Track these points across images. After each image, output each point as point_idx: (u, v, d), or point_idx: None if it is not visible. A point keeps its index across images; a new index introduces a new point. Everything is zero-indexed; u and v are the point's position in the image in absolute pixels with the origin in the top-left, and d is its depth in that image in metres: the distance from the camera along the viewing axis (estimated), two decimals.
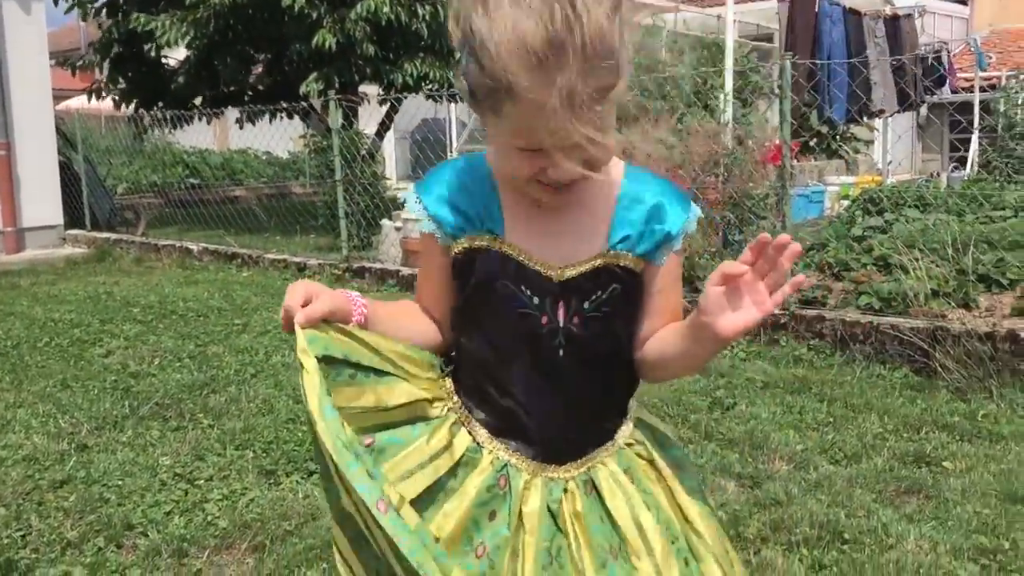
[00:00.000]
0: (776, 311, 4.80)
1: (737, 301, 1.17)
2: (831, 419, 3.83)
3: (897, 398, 4.05)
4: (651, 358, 1.36)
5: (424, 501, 1.27)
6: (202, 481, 3.25)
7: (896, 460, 3.38)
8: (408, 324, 1.38)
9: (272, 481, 3.24)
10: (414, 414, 1.29)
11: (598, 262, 1.30)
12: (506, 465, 1.31)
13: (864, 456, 3.42)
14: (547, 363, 1.30)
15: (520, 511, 1.29)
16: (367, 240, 8.31)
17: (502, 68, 1.10)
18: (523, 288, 1.29)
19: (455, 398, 1.35)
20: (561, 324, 1.29)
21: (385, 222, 8.02)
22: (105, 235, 10.32)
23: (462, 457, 1.30)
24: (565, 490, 1.31)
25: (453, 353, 1.40)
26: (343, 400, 1.23)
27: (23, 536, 2.85)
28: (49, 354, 5.15)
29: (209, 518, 2.96)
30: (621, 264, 1.31)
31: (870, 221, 6.57)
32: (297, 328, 1.19)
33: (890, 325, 4.55)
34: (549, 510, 1.30)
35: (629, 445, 1.38)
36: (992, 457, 3.39)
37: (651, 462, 1.38)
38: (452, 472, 1.29)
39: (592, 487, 1.33)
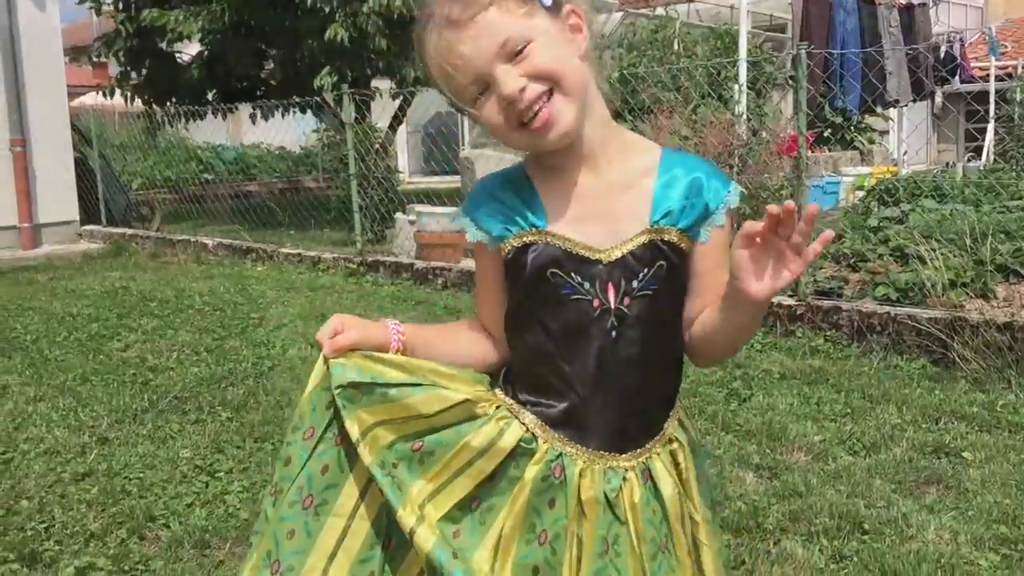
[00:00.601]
0: (810, 286, 4.76)
1: (767, 263, 1.20)
2: (849, 410, 3.82)
3: (915, 389, 4.04)
4: (698, 337, 1.38)
5: (487, 491, 1.32)
6: (222, 473, 3.27)
7: (915, 451, 3.37)
8: (455, 347, 1.42)
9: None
10: (460, 417, 1.32)
11: (643, 239, 1.32)
12: (560, 455, 1.32)
13: (883, 447, 3.41)
14: (602, 347, 1.32)
15: (579, 499, 1.30)
16: (381, 234, 8.33)
17: (416, 45, 1.32)
18: (572, 275, 1.31)
19: (505, 398, 1.37)
20: (612, 305, 1.31)
21: (399, 216, 8.03)
22: (121, 230, 10.38)
23: (516, 448, 1.31)
24: (624, 479, 1.32)
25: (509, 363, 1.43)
26: (379, 416, 1.30)
27: (47, 528, 2.88)
28: (68, 348, 5.18)
29: (230, 510, 2.98)
30: (665, 239, 1.32)
31: (886, 211, 6.54)
32: (320, 359, 1.31)
33: (907, 316, 4.54)
34: (606, 498, 1.31)
35: (670, 441, 1.39)
36: (1012, 447, 3.38)
37: (676, 465, 1.39)
38: (511, 463, 1.31)
39: (649, 477, 1.35)
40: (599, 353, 1.32)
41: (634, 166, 1.36)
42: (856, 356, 4.57)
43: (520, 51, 1.24)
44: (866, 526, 2.78)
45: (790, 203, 1.14)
